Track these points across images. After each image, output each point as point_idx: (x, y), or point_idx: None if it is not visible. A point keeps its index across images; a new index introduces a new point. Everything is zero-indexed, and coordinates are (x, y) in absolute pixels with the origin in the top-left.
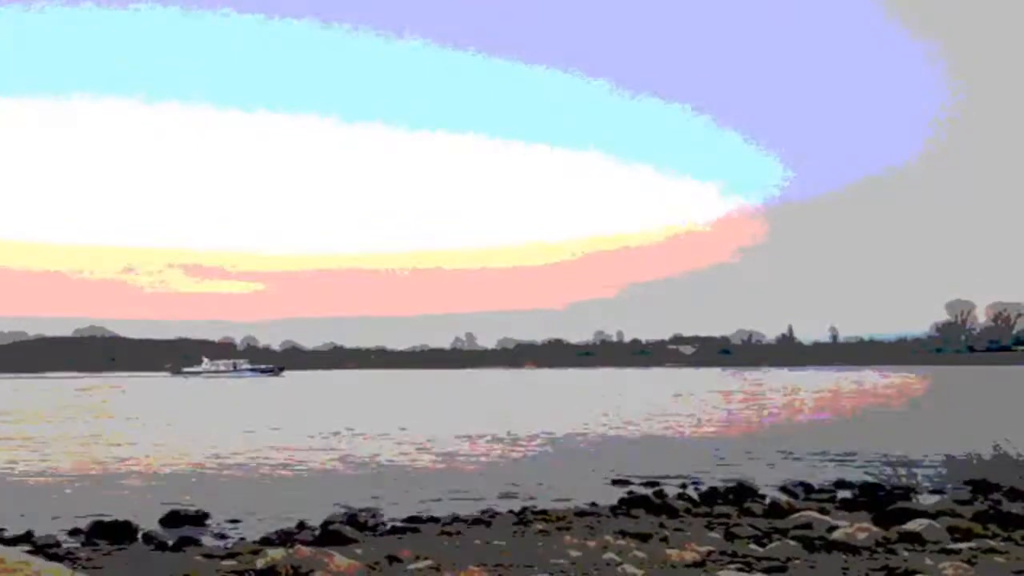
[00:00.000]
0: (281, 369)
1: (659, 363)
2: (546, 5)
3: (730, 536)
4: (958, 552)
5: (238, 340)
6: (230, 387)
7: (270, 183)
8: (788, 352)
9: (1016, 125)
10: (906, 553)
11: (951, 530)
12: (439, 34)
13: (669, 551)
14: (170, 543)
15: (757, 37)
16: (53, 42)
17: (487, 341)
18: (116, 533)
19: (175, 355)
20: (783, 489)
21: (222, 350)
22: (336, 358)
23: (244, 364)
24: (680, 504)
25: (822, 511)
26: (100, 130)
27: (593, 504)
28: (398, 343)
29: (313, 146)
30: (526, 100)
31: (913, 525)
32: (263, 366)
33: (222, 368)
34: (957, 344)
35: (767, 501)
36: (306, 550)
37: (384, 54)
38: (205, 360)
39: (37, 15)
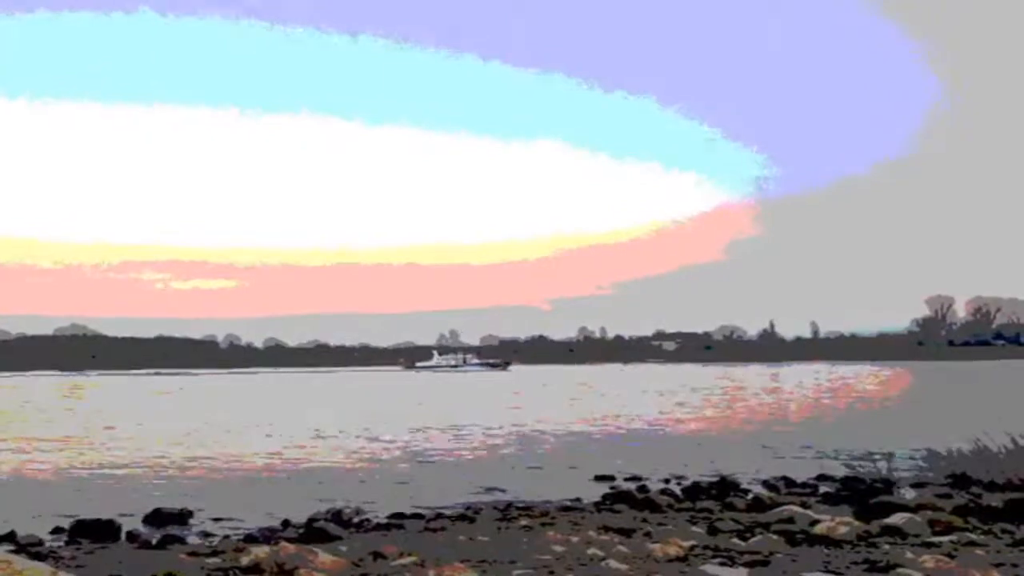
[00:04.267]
0: (508, 363)
1: (642, 359)
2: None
3: (713, 530)
4: (939, 545)
5: (220, 337)
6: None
7: (253, 180)
8: (770, 347)
9: (999, 123)
10: (887, 546)
11: (932, 523)
12: (440, 36)
13: (652, 546)
14: (154, 541)
15: (743, 32)
16: (45, 46)
17: (471, 338)
18: (99, 532)
19: (156, 353)
20: (765, 484)
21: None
22: (320, 355)
23: (473, 358)
24: (663, 499)
25: (804, 505)
26: (81, 130)
27: (576, 500)
28: (382, 340)
29: (293, 144)
30: (514, 98)
31: (894, 519)
32: (491, 360)
33: (452, 362)
34: (937, 339)
35: (749, 496)
36: (290, 547)
37: (370, 55)
38: (435, 354)
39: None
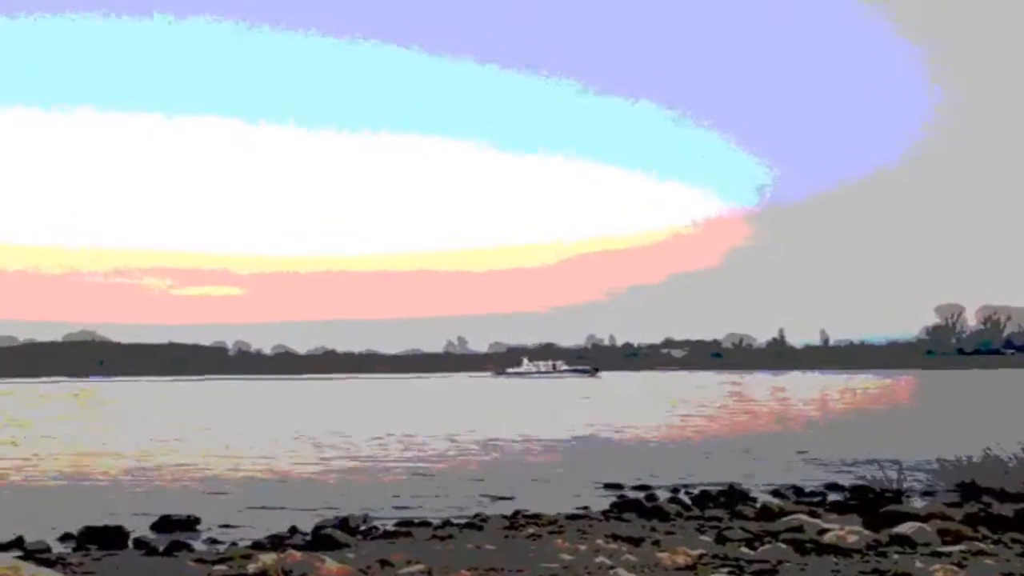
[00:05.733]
0: (596, 370)
1: (650, 366)
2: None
3: (721, 539)
4: (948, 555)
5: (230, 344)
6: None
7: (262, 187)
8: (779, 355)
9: (1006, 128)
10: (896, 556)
11: (941, 533)
12: (440, 43)
13: (661, 554)
14: (161, 548)
15: (745, 39)
16: (46, 50)
17: (479, 345)
18: (107, 538)
19: (165, 359)
20: (774, 492)
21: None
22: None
23: (563, 365)
24: (671, 508)
25: (813, 514)
26: (90, 136)
27: (584, 508)
28: (389, 347)
29: (301, 151)
30: (520, 108)
31: (903, 528)
32: (581, 367)
33: (543, 368)
34: (947, 347)
35: (758, 504)
36: (298, 554)
37: (377, 61)
38: (525, 361)
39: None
